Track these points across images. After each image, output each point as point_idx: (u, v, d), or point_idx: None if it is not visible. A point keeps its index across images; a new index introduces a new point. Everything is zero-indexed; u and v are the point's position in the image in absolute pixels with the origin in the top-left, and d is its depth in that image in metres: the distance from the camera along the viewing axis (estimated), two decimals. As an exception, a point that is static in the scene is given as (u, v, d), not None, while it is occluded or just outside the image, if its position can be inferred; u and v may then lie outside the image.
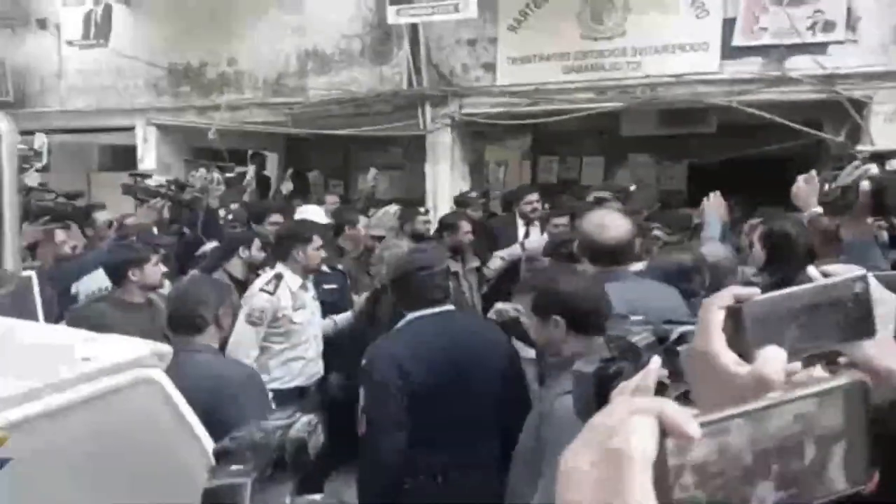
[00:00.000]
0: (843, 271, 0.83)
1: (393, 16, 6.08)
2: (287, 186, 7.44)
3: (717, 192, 3.44)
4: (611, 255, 2.58)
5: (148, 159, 8.20)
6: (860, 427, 0.52)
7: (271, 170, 9.81)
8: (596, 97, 6.39)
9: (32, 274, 2.68)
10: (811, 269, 0.99)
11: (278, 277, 3.70)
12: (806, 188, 3.14)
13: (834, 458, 0.51)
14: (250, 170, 7.87)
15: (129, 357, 1.58)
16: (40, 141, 8.37)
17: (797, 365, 0.70)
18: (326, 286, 4.20)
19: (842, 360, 0.78)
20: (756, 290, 0.73)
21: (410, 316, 2.71)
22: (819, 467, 0.51)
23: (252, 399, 2.40)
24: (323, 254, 3.88)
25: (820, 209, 3.09)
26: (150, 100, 8.11)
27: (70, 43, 7.24)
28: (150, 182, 4.78)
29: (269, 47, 7.48)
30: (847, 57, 5.54)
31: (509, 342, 2.87)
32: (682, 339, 1.05)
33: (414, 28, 6.64)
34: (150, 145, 8.24)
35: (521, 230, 5.35)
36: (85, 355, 1.58)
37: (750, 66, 5.84)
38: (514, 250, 5.12)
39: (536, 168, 9.24)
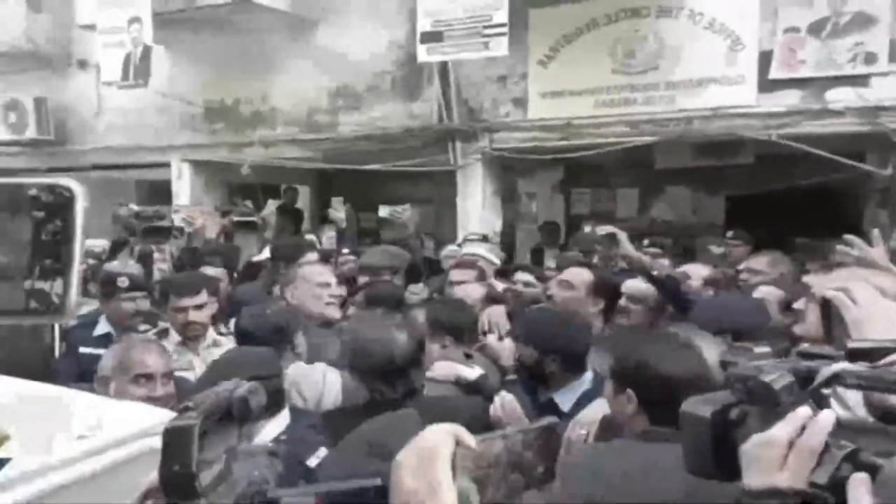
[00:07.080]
0: None
1: (423, 54, 6.05)
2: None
3: None
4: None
5: (182, 195, 8.31)
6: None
7: (303, 203, 9.92)
8: (629, 131, 6.27)
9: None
10: None
11: (162, 333, 3.21)
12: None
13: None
14: (270, 204, 7.89)
15: (135, 429, 1.52)
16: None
17: None
18: None
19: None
20: None
21: None
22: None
23: None
24: (207, 312, 3.25)
25: None
26: (185, 137, 8.23)
27: (108, 83, 7.39)
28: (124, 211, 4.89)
29: (301, 85, 7.54)
30: (891, 88, 5.35)
31: None
32: (837, 379, 0.84)
33: (444, 64, 6.62)
34: (184, 181, 8.36)
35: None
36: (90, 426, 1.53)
37: (788, 99, 5.68)
38: None
39: (570, 200, 9.14)
